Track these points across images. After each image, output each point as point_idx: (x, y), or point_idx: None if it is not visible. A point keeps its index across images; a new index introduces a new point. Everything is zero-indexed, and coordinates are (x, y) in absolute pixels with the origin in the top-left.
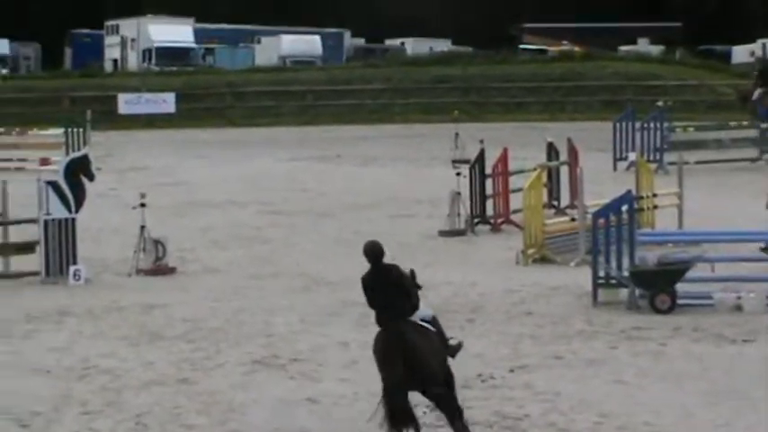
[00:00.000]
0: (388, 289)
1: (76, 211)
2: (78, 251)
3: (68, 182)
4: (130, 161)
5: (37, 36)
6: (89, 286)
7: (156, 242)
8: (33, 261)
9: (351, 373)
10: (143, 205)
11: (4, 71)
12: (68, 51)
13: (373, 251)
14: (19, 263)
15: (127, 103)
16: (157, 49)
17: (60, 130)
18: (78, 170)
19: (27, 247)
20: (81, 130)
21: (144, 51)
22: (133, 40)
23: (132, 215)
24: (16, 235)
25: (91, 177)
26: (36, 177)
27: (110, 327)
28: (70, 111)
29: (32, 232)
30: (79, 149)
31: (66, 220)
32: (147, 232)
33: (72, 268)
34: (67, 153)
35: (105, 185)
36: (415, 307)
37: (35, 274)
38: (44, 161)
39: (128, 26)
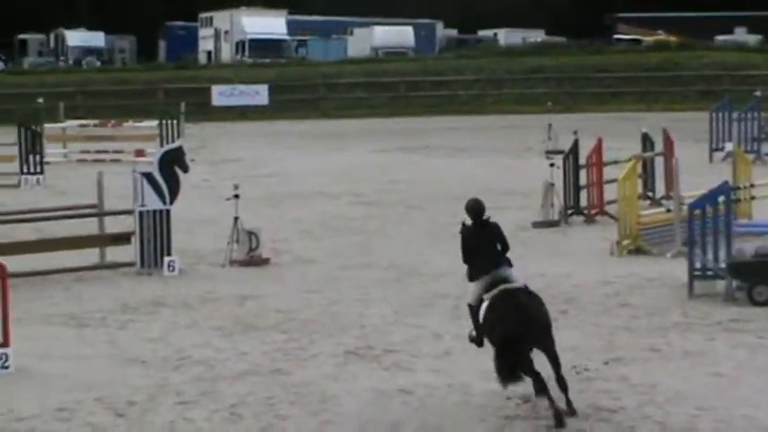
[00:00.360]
0: (490, 243)
1: (171, 203)
2: (173, 242)
3: (163, 173)
4: (224, 153)
5: (132, 29)
6: (183, 277)
7: (250, 233)
8: (129, 252)
9: (444, 364)
10: (236, 196)
11: (98, 63)
12: (163, 44)
13: (475, 208)
14: (115, 254)
15: (220, 95)
16: (251, 41)
17: (155, 122)
18: (173, 162)
19: (123, 238)
20: (175, 121)
21: (237, 43)
22: (227, 32)
23: (226, 206)
24: (112, 226)
25: (185, 169)
26: (131, 169)
27: (204, 317)
28: (165, 103)
29: (128, 223)
30: (173, 141)
31: (161, 211)
32: (240, 223)
33: (166, 259)
34: (162, 145)
35: (199, 177)
36: (511, 262)
37: (130, 264)
38: (139, 153)
39: (221, 18)
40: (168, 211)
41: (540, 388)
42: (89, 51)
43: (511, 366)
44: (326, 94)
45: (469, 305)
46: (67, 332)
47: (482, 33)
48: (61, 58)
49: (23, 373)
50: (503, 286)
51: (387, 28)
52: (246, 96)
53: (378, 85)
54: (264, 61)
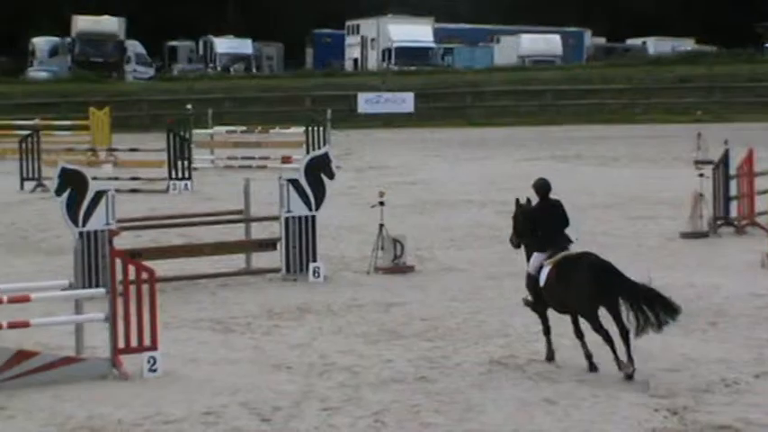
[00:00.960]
0: (555, 220)
1: (317, 209)
2: (318, 248)
3: (309, 180)
4: (369, 160)
5: (280, 36)
6: (328, 283)
7: (395, 240)
8: (274, 258)
9: (589, 374)
10: (382, 204)
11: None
12: (310, 51)
13: (544, 186)
14: (260, 260)
15: (366, 103)
16: (397, 48)
17: (301, 129)
18: (318, 168)
19: (269, 245)
20: (321, 128)
21: (384, 51)
22: (373, 39)
23: (371, 213)
24: (258, 232)
25: (331, 176)
26: (278, 175)
27: (349, 324)
28: (311, 110)
29: (274, 229)
30: (320, 148)
31: (307, 217)
32: (385, 230)
33: (312, 265)
34: (308, 151)
35: (344, 184)
36: (570, 238)
37: (276, 270)
38: (286, 159)
39: (368, 26)
40: (314, 218)
41: (608, 343)
42: (237, 58)
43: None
44: (472, 102)
45: (529, 274)
46: (214, 337)
47: (630, 42)
48: (210, 64)
49: (171, 377)
50: (565, 253)
51: (534, 36)
52: (392, 104)
53: (524, 94)
54: (410, 69)
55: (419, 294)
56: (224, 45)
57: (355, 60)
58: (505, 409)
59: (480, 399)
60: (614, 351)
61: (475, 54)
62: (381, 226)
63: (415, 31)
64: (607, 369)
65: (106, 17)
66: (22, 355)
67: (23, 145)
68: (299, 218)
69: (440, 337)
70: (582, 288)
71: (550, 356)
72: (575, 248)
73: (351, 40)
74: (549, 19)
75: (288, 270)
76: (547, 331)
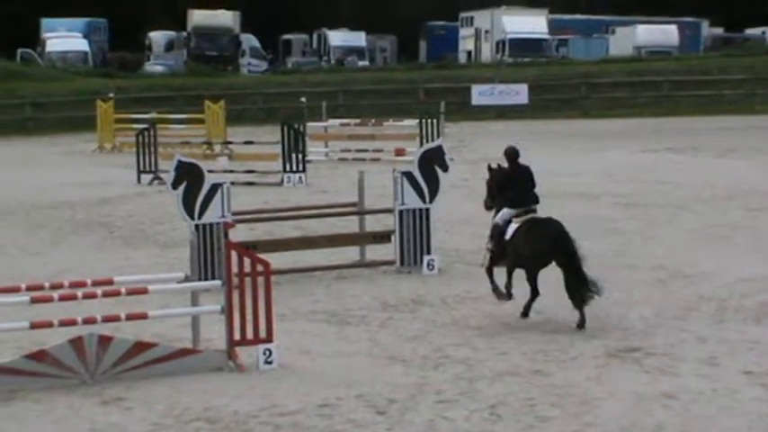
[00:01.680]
0: (525, 182)
1: (431, 202)
2: (432, 241)
3: (423, 172)
4: (483, 152)
5: (393, 28)
6: (442, 276)
7: None
8: (389, 250)
9: (709, 369)
10: None
11: (361, 63)
12: (423, 44)
13: (514, 153)
14: (374, 252)
15: (480, 95)
16: (511, 40)
17: (415, 122)
18: (432, 161)
19: (383, 237)
20: (435, 121)
21: (498, 43)
22: (487, 31)
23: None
24: (372, 224)
25: (444, 168)
26: (391, 168)
27: (463, 317)
28: (424, 102)
29: (387, 222)
30: (433, 140)
31: (421, 210)
32: None
33: (426, 258)
34: (422, 144)
35: (458, 176)
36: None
37: (390, 263)
38: (399, 152)
39: (482, 18)
40: (428, 210)
41: (533, 294)
42: (351, 51)
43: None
44: (587, 93)
45: (496, 224)
46: (329, 329)
47: (749, 32)
48: (324, 57)
49: (286, 369)
50: (532, 215)
51: (650, 27)
52: (506, 96)
53: (640, 85)
54: (524, 60)
55: None
56: (338, 38)
57: (469, 52)
58: (623, 404)
59: (597, 392)
60: (530, 304)
61: (590, 45)
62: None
63: (530, 23)
64: (726, 363)
65: (221, 11)
66: (140, 347)
67: (140, 138)
68: (414, 210)
69: (555, 330)
70: (539, 246)
71: (509, 296)
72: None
73: (464, 32)
74: (665, 10)
75: (402, 262)
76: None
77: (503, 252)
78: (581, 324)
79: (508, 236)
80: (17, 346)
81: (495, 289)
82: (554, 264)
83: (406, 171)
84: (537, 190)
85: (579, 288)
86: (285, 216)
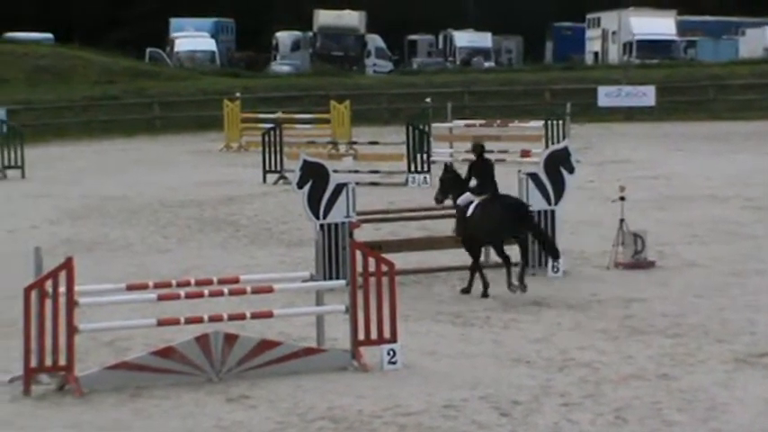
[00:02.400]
0: (486, 173)
1: (556, 203)
2: (558, 243)
3: (548, 174)
4: (609, 154)
5: (519, 29)
6: (567, 278)
7: (635, 235)
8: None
9: None
10: (622, 198)
11: (487, 64)
12: (549, 44)
13: (479, 147)
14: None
15: (606, 96)
16: (638, 41)
17: (540, 123)
18: (558, 162)
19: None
20: (561, 122)
21: (625, 44)
22: (614, 32)
23: (611, 208)
24: None
25: (570, 170)
26: (517, 169)
27: (588, 319)
28: (550, 103)
29: None
30: (559, 142)
31: (546, 211)
32: (625, 225)
33: (551, 260)
34: (547, 145)
35: (584, 178)
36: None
37: (517, 264)
38: (525, 153)
39: (609, 19)
40: (553, 212)
41: (506, 266)
42: (476, 51)
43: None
44: (716, 95)
45: (458, 205)
46: (453, 330)
47: None
48: (449, 58)
49: (411, 370)
50: (486, 195)
51: None
52: (633, 97)
53: None
54: (652, 62)
55: (660, 290)
56: (463, 39)
57: (595, 53)
58: (752, 410)
59: (725, 398)
60: (509, 274)
61: (719, 47)
62: (622, 221)
63: (658, 24)
64: None
65: (347, 11)
66: (265, 345)
67: (266, 138)
68: (539, 212)
69: (682, 334)
70: (497, 219)
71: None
72: None
73: (591, 33)
74: None
75: (526, 264)
76: (475, 268)
77: (465, 231)
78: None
79: (469, 212)
80: (144, 342)
81: (477, 274)
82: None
83: (531, 172)
84: (658, 192)
85: (552, 250)
86: (409, 216)
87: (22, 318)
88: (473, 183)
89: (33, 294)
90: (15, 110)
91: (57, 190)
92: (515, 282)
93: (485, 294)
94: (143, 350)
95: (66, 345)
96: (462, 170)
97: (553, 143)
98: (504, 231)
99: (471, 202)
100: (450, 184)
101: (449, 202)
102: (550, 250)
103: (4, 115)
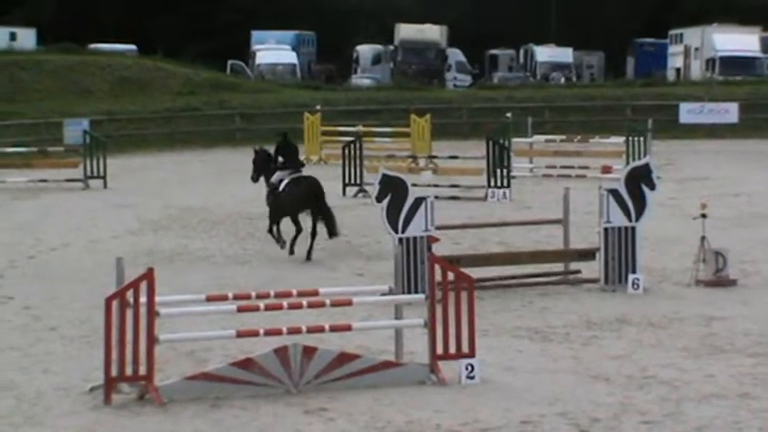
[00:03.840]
0: (292, 152)
1: (637, 220)
2: (638, 260)
3: (629, 190)
4: (690, 171)
5: (601, 45)
6: (647, 295)
7: (717, 253)
8: (593, 268)
9: None
10: (704, 216)
11: (563, 80)
12: (631, 60)
13: (283, 134)
14: (579, 269)
15: (688, 113)
16: (721, 58)
17: (621, 139)
18: (639, 179)
19: (587, 254)
20: (642, 138)
21: (708, 60)
22: (697, 49)
23: (692, 225)
24: (577, 241)
25: (652, 186)
26: (597, 185)
27: (669, 337)
28: (632, 119)
29: (592, 239)
30: (640, 158)
31: (626, 228)
32: (707, 243)
33: (631, 277)
34: (628, 162)
35: (665, 195)
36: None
37: (594, 281)
38: (605, 169)
39: (692, 35)
40: (634, 229)
41: (297, 234)
42: (557, 67)
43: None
44: None
45: (272, 182)
46: (532, 345)
47: None
48: (529, 73)
49: (489, 384)
50: (296, 174)
51: None
52: (715, 114)
53: None
54: (735, 79)
55: (743, 309)
56: (544, 54)
57: (677, 70)
58: None
59: None
60: (293, 242)
61: None
62: (703, 238)
63: (741, 41)
64: None
65: (428, 25)
66: (344, 358)
67: (346, 151)
68: (619, 228)
69: (764, 353)
70: (298, 195)
71: (284, 246)
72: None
73: (673, 49)
74: None
75: (606, 281)
76: (277, 231)
77: (277, 203)
78: (308, 256)
79: (281, 188)
80: (223, 353)
81: (278, 240)
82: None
83: (612, 188)
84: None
85: (331, 226)
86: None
87: (103, 327)
88: (281, 161)
89: (115, 304)
90: (99, 120)
91: (138, 200)
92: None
93: (289, 250)
94: (222, 361)
95: (146, 354)
96: None
97: (634, 159)
98: (302, 206)
99: (282, 180)
100: (262, 164)
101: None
102: (331, 228)
103: (88, 126)
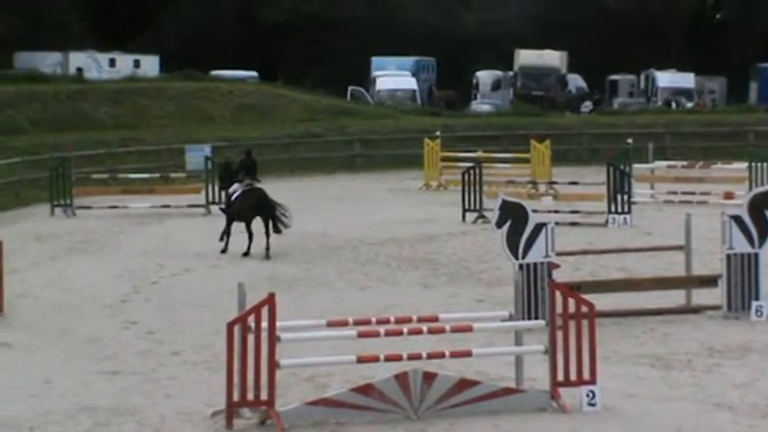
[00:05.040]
0: (252, 168)
1: (760, 246)
2: (761, 286)
3: (752, 216)
4: None
5: (722, 70)
6: None
7: None
8: (716, 295)
9: None
10: None
11: (690, 104)
12: (754, 85)
13: (248, 151)
14: (701, 296)
15: None
16: None
17: (744, 164)
18: (762, 204)
19: (709, 281)
20: (765, 164)
21: None
22: None
23: None
24: (699, 268)
25: None
26: (719, 211)
27: None
28: (755, 145)
29: (714, 266)
30: (763, 184)
31: (749, 254)
32: None
33: (754, 304)
34: (751, 187)
35: None
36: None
37: (717, 308)
38: (728, 195)
39: None
40: (757, 255)
41: (250, 238)
42: (678, 92)
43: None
44: None
45: (229, 192)
46: (653, 373)
47: None
48: (652, 98)
49: (610, 412)
50: (248, 187)
51: None
52: None
53: None
54: None
55: None
56: (665, 79)
57: None
58: None
59: None
60: (249, 246)
61: None
62: None
63: None
64: None
65: (548, 51)
66: (464, 384)
67: (466, 176)
68: (742, 255)
69: None
70: (250, 203)
71: (224, 249)
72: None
73: None
74: None
75: (729, 308)
76: (227, 234)
77: (230, 211)
78: (266, 254)
79: (233, 197)
80: (344, 379)
81: (222, 238)
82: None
83: (734, 214)
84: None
85: (276, 227)
86: (607, 250)
87: (225, 352)
88: (242, 175)
89: (236, 329)
90: (220, 146)
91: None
92: (259, 252)
93: (222, 248)
94: (342, 386)
95: (267, 379)
96: None
97: (757, 185)
98: (253, 213)
99: (236, 191)
100: (225, 176)
101: None
102: (275, 227)
103: (210, 152)
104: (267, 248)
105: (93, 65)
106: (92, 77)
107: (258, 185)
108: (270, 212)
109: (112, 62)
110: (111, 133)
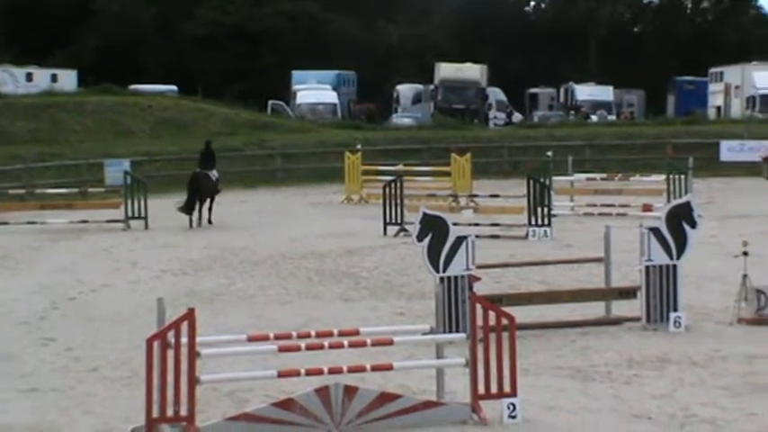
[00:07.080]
0: (211, 158)
1: (678, 258)
2: (679, 298)
3: (670, 228)
4: (731, 208)
5: (641, 83)
6: (689, 334)
7: (759, 291)
8: (635, 307)
9: None
10: (745, 254)
11: (612, 117)
12: (671, 98)
13: (207, 141)
14: (620, 308)
15: (729, 151)
16: (762, 96)
17: (662, 177)
18: (680, 217)
19: (629, 293)
20: (682, 176)
21: (748, 98)
22: (737, 87)
23: (733, 263)
24: (618, 280)
25: (693, 224)
26: (638, 223)
27: (711, 375)
28: (672, 157)
29: (633, 278)
30: (681, 196)
31: (668, 266)
32: (748, 281)
33: (672, 315)
34: (669, 200)
35: (706, 233)
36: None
37: (636, 319)
38: (646, 207)
39: (732, 73)
40: (675, 267)
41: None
42: (598, 105)
43: (189, 205)
44: None
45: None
46: (573, 384)
47: None
48: (570, 111)
49: (530, 424)
50: (198, 171)
51: None
52: (755, 152)
53: None
54: None
55: None
56: (585, 92)
57: (718, 108)
58: None
59: None
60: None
61: None
62: (745, 276)
63: None
64: None
65: (469, 64)
66: (385, 397)
67: (387, 190)
68: (660, 266)
69: None
70: (189, 184)
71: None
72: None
73: (714, 87)
74: None
75: (648, 319)
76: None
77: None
78: (209, 220)
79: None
80: (264, 394)
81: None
82: None
83: (653, 227)
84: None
85: (201, 207)
86: (527, 263)
87: (144, 368)
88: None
89: (156, 345)
90: (139, 161)
91: (179, 241)
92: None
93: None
94: (263, 401)
95: (187, 395)
96: None
97: (675, 197)
98: (191, 190)
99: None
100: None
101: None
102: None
103: (129, 167)
104: (202, 219)
105: (10, 79)
106: (8, 92)
107: (208, 172)
108: (197, 190)
109: (29, 76)
110: (27, 148)
